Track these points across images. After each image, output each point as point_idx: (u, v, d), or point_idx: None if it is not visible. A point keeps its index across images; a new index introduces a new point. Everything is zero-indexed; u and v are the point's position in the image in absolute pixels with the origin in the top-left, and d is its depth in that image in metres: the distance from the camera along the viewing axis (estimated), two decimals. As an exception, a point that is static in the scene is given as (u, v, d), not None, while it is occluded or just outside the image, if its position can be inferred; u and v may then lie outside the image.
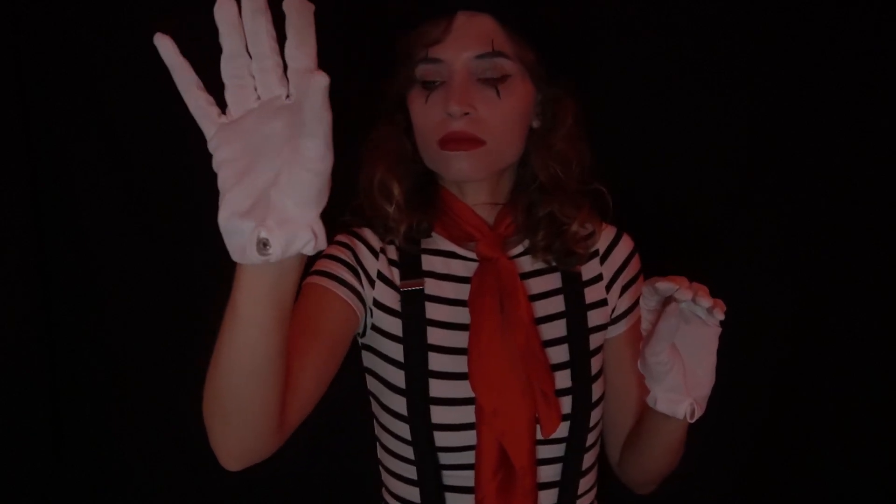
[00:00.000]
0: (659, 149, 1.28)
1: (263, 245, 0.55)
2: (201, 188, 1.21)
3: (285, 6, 0.54)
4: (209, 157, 0.60)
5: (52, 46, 1.20)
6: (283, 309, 0.64)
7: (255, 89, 0.57)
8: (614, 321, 1.00)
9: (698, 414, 0.85)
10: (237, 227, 0.56)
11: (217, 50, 0.57)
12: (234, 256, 0.58)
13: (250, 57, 0.56)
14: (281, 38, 0.56)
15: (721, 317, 0.78)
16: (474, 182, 0.94)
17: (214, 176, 0.60)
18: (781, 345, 1.33)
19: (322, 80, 0.51)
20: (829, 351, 1.34)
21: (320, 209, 0.57)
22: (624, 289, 1.00)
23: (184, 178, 1.22)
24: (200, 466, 1.30)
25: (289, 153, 0.55)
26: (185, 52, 0.61)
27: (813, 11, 1.25)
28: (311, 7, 0.54)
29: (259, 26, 0.54)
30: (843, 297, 1.33)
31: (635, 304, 1.00)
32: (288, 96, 0.56)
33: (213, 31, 0.58)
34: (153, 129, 1.22)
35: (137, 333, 1.28)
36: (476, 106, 0.88)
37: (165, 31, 0.55)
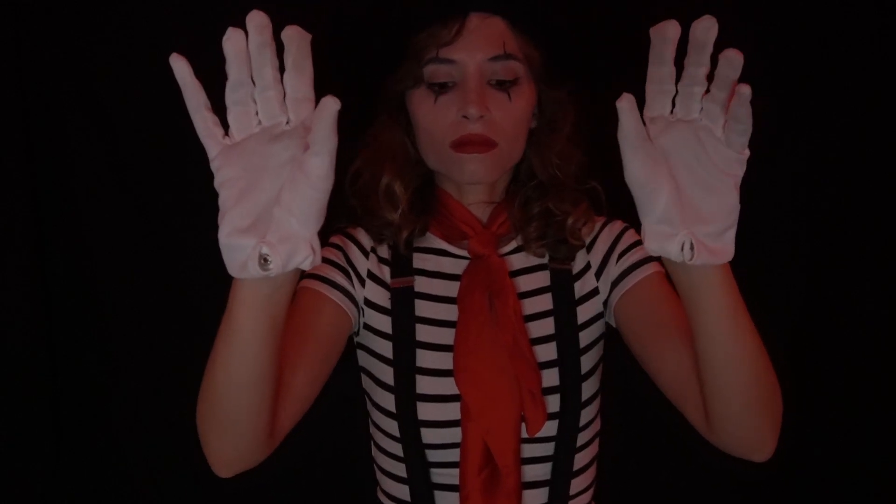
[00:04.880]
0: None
1: (264, 260, 0.59)
2: (201, 190, 1.22)
3: (284, 37, 0.57)
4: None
5: (52, 46, 1.20)
6: (277, 320, 0.68)
7: (257, 114, 0.60)
8: (621, 277, 0.93)
9: (704, 255, 0.64)
10: (237, 244, 0.60)
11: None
12: (232, 272, 0.62)
13: (253, 84, 0.59)
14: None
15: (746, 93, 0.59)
16: (480, 184, 0.93)
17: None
18: (788, 341, 1.34)
19: (334, 105, 0.57)
20: (836, 347, 1.35)
21: (319, 227, 0.61)
22: (622, 254, 0.94)
23: (184, 179, 1.22)
24: (200, 467, 1.30)
25: (290, 173, 0.60)
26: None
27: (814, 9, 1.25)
28: (309, 37, 0.58)
29: (264, 58, 0.58)
30: (849, 295, 1.33)
31: (641, 261, 0.92)
32: (287, 122, 0.60)
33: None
34: (153, 130, 1.22)
35: (138, 334, 1.28)
36: (490, 109, 0.88)
37: (181, 52, 0.59)
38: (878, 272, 1.33)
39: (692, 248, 0.64)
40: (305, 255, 0.60)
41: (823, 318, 1.34)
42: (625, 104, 0.62)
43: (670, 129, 0.64)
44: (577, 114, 0.96)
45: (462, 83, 0.88)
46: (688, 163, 0.64)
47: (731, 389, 0.74)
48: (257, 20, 0.57)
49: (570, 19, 0.98)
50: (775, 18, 1.26)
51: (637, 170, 0.64)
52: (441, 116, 0.89)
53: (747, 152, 0.64)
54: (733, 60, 0.60)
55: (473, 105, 0.86)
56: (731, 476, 1.37)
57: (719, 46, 0.62)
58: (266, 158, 0.60)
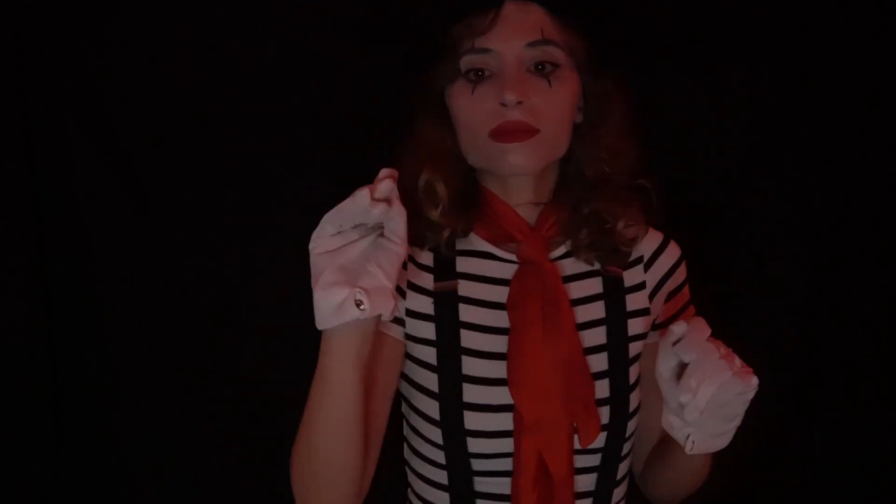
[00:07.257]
0: (693, 145, 1.27)
1: (358, 305, 0.68)
2: (201, 190, 1.22)
3: (380, 175, 0.70)
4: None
5: (52, 46, 1.20)
6: (364, 371, 0.76)
7: None
8: (655, 328, 0.97)
9: (701, 449, 0.82)
10: (332, 293, 0.69)
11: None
12: (325, 322, 0.70)
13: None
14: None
15: (751, 385, 0.78)
16: (522, 178, 0.91)
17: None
18: (788, 341, 1.33)
19: (402, 212, 0.69)
20: (836, 347, 1.34)
21: (396, 282, 0.71)
22: (669, 296, 0.97)
23: (184, 179, 1.22)
24: (200, 467, 1.30)
25: (376, 241, 0.70)
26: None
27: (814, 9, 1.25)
28: (395, 174, 0.71)
29: (374, 214, 0.69)
30: (849, 295, 1.33)
31: (679, 312, 0.98)
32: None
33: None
34: (153, 130, 1.22)
35: (138, 334, 1.28)
36: (529, 95, 0.85)
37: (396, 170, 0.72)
38: (878, 272, 1.33)
39: (693, 442, 0.81)
40: (389, 305, 0.69)
41: (823, 318, 1.34)
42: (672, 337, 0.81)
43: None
44: (624, 107, 0.93)
45: (499, 71, 0.86)
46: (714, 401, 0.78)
47: (671, 486, 0.98)
48: (385, 190, 0.69)
49: (608, 5, 0.96)
50: (775, 18, 1.26)
51: (666, 376, 0.82)
52: (479, 107, 0.86)
53: (754, 382, 0.78)
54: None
55: (510, 91, 0.83)
56: (748, 482, 1.37)
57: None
58: (355, 243, 0.71)
